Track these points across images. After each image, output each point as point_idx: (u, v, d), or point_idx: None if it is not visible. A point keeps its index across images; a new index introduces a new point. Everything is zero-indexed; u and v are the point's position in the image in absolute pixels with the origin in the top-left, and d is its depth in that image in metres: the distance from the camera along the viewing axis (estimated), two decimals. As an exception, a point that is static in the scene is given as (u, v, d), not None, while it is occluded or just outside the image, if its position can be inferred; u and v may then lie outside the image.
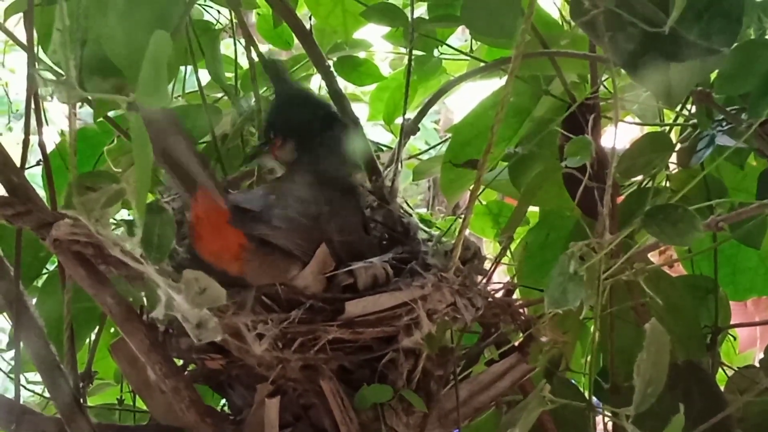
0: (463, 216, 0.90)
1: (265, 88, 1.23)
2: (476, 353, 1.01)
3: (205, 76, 1.22)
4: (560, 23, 1.24)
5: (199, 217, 0.83)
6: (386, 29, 1.32)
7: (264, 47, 1.36)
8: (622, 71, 0.83)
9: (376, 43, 1.40)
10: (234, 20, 1.25)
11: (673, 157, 1.09)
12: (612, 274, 0.81)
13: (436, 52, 1.32)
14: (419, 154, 1.52)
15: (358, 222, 0.94)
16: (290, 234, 0.85)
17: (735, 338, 1.40)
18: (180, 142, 0.76)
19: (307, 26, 1.23)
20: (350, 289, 0.86)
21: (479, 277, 0.94)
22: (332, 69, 1.21)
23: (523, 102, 1.21)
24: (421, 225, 1.01)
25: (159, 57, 0.58)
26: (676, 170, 1.14)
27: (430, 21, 1.18)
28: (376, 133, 1.59)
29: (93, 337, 1.14)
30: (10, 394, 0.98)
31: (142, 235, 0.67)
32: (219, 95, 1.30)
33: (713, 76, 0.93)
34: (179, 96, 1.30)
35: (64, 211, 0.77)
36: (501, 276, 1.34)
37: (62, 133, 1.25)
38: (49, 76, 0.64)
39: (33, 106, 1.00)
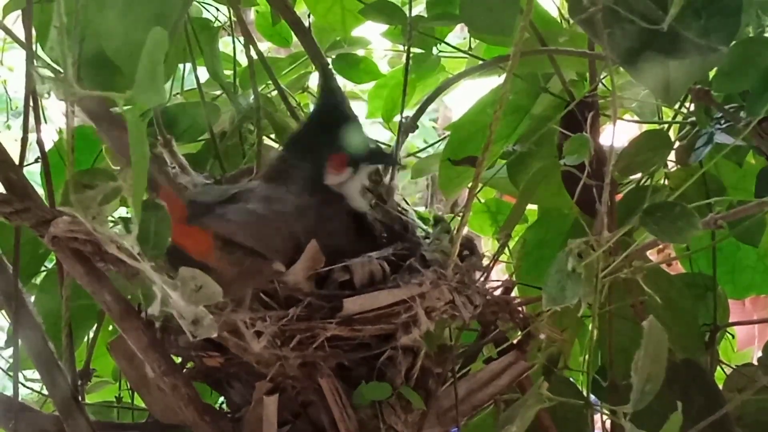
0: (461, 214, 0.89)
1: (263, 86, 1.23)
2: (474, 351, 1.01)
3: (203, 73, 1.22)
4: (559, 21, 1.24)
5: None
6: (385, 27, 1.32)
7: (263, 45, 1.37)
8: (621, 69, 0.83)
9: (375, 40, 1.40)
10: (233, 18, 1.25)
11: (672, 155, 1.09)
12: (610, 272, 0.81)
13: (434, 50, 1.32)
14: (418, 152, 1.53)
15: (342, 227, 0.93)
16: (247, 229, 0.86)
17: (733, 336, 1.40)
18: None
19: (306, 24, 1.23)
20: (347, 286, 0.86)
21: (478, 275, 0.94)
22: (331, 66, 1.21)
23: (522, 100, 1.21)
24: (419, 222, 1.01)
25: (156, 53, 0.58)
26: (675, 168, 1.14)
27: (429, 19, 1.18)
28: (375, 130, 1.59)
29: (91, 334, 1.14)
30: (9, 392, 0.98)
31: (138, 232, 0.67)
32: (217, 93, 1.30)
33: (712, 74, 0.93)
34: (178, 94, 1.30)
35: (61, 209, 0.77)
36: (499, 274, 1.34)
37: (61, 131, 1.25)
38: (47, 73, 0.64)
39: (32, 104, 1.00)
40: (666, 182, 1.14)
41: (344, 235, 0.92)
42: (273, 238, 0.87)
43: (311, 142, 0.95)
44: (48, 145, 1.04)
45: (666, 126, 1.16)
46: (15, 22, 1.08)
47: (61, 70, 0.64)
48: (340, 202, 0.94)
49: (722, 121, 1.00)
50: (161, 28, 0.59)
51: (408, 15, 1.14)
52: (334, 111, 0.96)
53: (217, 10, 1.28)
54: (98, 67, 0.75)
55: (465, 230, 0.91)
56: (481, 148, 0.83)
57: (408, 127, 1.13)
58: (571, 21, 1.12)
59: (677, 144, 1.08)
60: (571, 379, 1.10)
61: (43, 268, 1.17)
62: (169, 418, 0.92)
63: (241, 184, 0.98)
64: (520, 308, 0.97)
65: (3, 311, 1.03)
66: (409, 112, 1.17)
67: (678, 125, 1.14)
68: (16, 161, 0.90)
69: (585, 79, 1.15)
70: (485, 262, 0.96)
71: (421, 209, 1.59)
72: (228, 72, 1.28)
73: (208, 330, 0.68)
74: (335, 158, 0.94)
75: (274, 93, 1.25)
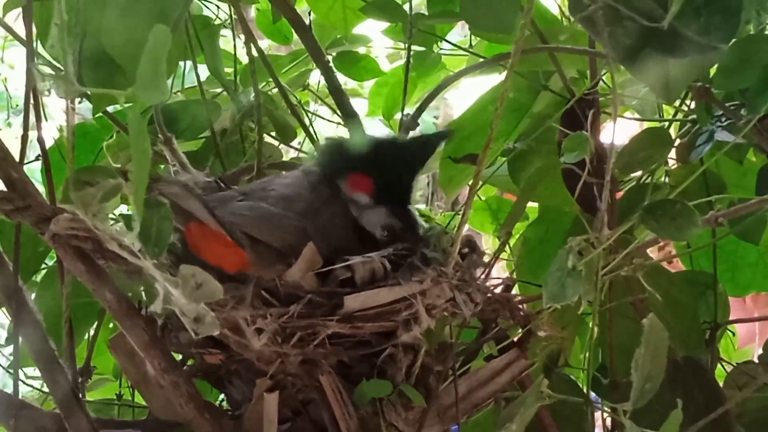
0: (462, 211, 0.89)
1: (263, 84, 1.23)
2: (475, 349, 1.01)
3: (204, 71, 1.22)
4: (559, 19, 1.24)
5: (195, 241, 0.84)
6: (385, 24, 1.32)
7: (263, 42, 1.37)
8: (621, 67, 0.83)
9: (376, 38, 1.40)
10: (233, 15, 1.25)
11: (672, 153, 1.09)
12: (611, 270, 0.81)
13: (435, 48, 1.32)
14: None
15: (345, 225, 0.94)
16: (261, 223, 0.87)
17: (734, 334, 1.40)
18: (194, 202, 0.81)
19: (307, 21, 1.24)
20: (348, 284, 0.86)
21: (478, 273, 0.94)
22: (331, 64, 1.21)
23: (523, 97, 1.21)
24: (420, 220, 1.01)
25: (158, 51, 0.58)
26: (675, 166, 1.14)
27: (430, 16, 1.18)
28: (376, 128, 1.59)
29: (92, 332, 1.14)
30: (9, 389, 0.98)
31: (140, 230, 0.67)
32: (218, 91, 1.30)
33: (713, 71, 0.93)
34: (178, 91, 1.30)
35: (62, 206, 0.77)
36: (500, 271, 1.34)
37: (61, 129, 1.25)
38: (48, 70, 0.64)
39: (32, 101, 1.00)
40: (666, 180, 1.14)
41: (349, 236, 0.93)
42: (287, 234, 0.87)
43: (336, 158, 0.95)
44: (48, 143, 1.04)
45: (666, 123, 1.16)
46: (16, 19, 1.08)
47: (62, 68, 0.64)
48: (346, 205, 0.94)
49: (723, 119, 1.00)
50: (163, 26, 0.59)
51: (409, 13, 1.14)
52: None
53: (218, 7, 1.28)
54: (99, 66, 0.75)
55: (465, 228, 0.91)
56: (481, 146, 0.83)
57: (409, 124, 1.13)
58: (572, 19, 1.12)
59: (678, 141, 1.07)
60: (571, 377, 1.10)
61: (43, 266, 1.17)
62: (170, 415, 0.92)
63: (254, 184, 0.98)
64: (520, 306, 0.97)
65: (3, 309, 1.03)
66: (409, 109, 1.17)
67: (678, 123, 1.14)
68: (17, 159, 0.90)
69: (585, 76, 1.15)
70: (486, 259, 0.96)
71: (422, 207, 1.59)
72: (228, 70, 1.28)
73: (210, 327, 0.68)
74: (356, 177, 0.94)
75: (275, 91, 1.25)
